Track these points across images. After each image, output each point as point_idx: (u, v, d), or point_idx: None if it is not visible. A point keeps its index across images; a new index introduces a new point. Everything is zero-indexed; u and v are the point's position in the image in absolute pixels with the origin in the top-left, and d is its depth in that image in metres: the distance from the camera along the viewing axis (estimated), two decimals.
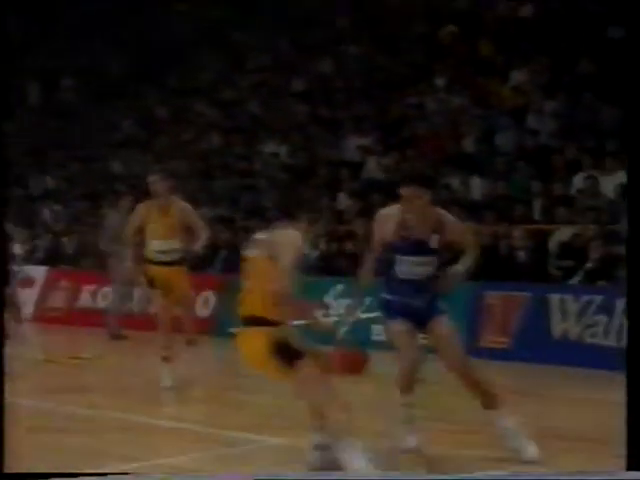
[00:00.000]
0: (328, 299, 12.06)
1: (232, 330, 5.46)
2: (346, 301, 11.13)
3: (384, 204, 6.67)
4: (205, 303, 13.50)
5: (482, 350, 10.52)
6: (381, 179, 14.51)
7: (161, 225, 8.96)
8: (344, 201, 14.46)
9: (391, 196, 6.43)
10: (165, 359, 9.00)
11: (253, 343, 5.31)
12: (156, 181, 8.98)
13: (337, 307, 11.74)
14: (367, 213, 11.22)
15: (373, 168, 15.05)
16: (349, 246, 12.81)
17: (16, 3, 24.02)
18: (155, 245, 9.02)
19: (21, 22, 24.97)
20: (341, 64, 18.44)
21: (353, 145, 15.77)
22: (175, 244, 9.03)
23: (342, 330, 11.42)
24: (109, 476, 2.98)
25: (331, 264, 12.82)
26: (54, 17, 23.67)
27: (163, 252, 8.98)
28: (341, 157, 15.89)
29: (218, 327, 12.41)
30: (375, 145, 15.50)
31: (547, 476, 3.61)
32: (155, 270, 9.04)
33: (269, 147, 17.05)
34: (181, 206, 9.09)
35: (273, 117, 18.03)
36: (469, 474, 4.08)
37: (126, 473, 3.51)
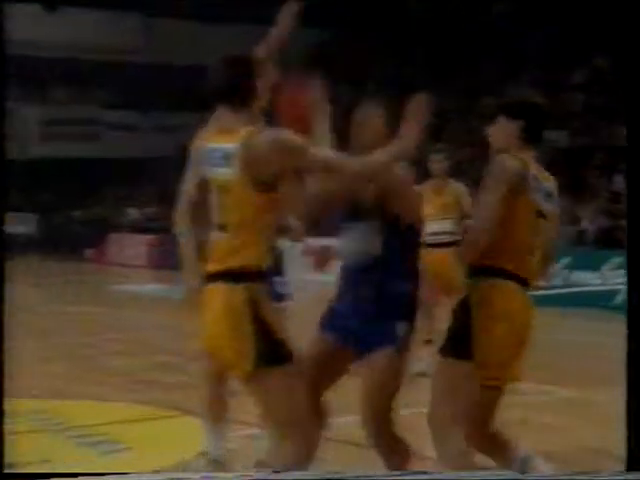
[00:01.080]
0: (605, 269, 11.84)
1: None
2: (621, 272, 10.90)
3: None
4: None
5: None
6: None
7: (434, 206, 7.56)
8: (619, 182, 13.85)
9: None
10: (426, 342, 7.21)
11: None
12: (436, 160, 7.77)
13: (613, 277, 11.55)
14: None
15: None
16: (625, 223, 12.34)
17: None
18: (428, 227, 7.24)
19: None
20: (616, 58, 17.64)
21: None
22: (447, 226, 7.63)
23: (618, 297, 11.19)
24: (109, 476, 2.88)
25: (609, 238, 12.48)
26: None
27: (435, 234, 7.54)
28: (615, 142, 15.22)
29: None
30: None
31: (548, 476, 3.33)
32: (426, 253, 6.89)
33: (551, 135, 16.61)
34: (455, 187, 7.81)
35: (554, 108, 17.59)
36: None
37: (126, 473, 3.24)
